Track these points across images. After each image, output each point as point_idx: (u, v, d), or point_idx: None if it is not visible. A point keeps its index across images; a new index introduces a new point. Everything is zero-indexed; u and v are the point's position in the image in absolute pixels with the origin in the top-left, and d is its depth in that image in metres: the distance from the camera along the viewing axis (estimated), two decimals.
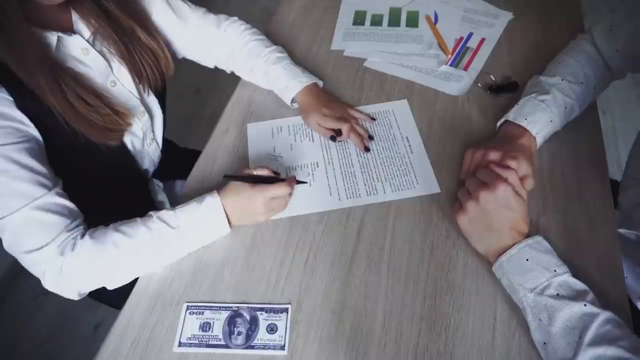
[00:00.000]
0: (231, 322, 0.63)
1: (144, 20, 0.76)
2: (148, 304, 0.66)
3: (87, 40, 0.69)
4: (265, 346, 0.61)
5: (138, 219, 0.66)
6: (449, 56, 0.96)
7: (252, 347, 0.61)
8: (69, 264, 0.62)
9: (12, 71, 0.58)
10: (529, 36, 0.99)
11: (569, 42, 0.87)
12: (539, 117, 0.73)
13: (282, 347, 0.61)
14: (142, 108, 0.78)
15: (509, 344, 0.60)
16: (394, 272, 0.67)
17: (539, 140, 0.74)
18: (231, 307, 0.65)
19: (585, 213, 0.71)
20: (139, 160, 0.83)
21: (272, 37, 1.01)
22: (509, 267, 0.61)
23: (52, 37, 0.64)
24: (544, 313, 0.56)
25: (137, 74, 0.75)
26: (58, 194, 0.63)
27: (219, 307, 0.65)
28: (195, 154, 0.85)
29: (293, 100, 0.86)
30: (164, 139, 0.91)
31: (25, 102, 0.60)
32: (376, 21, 1.05)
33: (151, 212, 0.67)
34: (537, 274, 0.58)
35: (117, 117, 0.70)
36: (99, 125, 0.67)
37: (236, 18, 0.93)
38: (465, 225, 0.66)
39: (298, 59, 0.97)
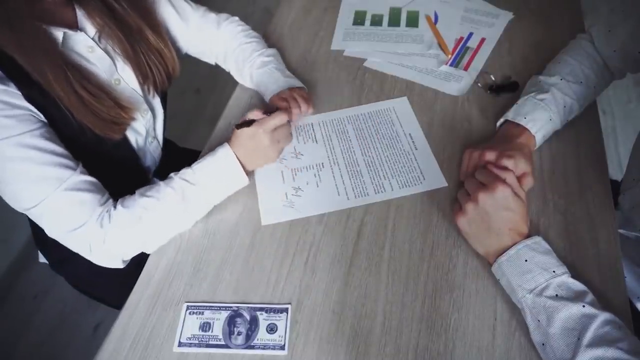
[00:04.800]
0: (231, 322, 0.63)
1: (152, 20, 0.76)
2: (148, 304, 0.66)
3: (93, 38, 0.69)
4: (265, 346, 0.61)
5: (161, 183, 0.69)
6: (449, 56, 0.96)
7: (252, 347, 0.61)
8: (111, 234, 0.65)
9: (18, 65, 0.59)
10: (529, 36, 0.99)
11: (569, 42, 0.87)
12: (539, 116, 0.73)
13: (282, 347, 0.61)
14: (145, 106, 0.78)
15: (509, 343, 0.60)
16: (394, 272, 0.67)
17: (539, 139, 0.74)
18: (231, 307, 0.65)
19: (585, 213, 0.71)
20: (141, 158, 0.83)
21: (272, 37, 1.01)
22: (507, 267, 0.61)
23: (58, 33, 0.64)
24: (542, 314, 0.56)
25: (143, 75, 0.76)
26: (83, 172, 0.65)
27: (218, 307, 0.65)
28: (195, 154, 0.85)
29: None
30: (166, 140, 0.91)
31: (33, 94, 0.61)
32: (376, 21, 1.05)
33: (171, 174, 0.70)
34: (535, 275, 0.58)
35: (120, 110, 0.70)
36: (103, 117, 0.67)
37: (236, 18, 0.93)
38: (465, 227, 0.66)
39: (298, 59, 0.97)
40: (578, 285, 0.58)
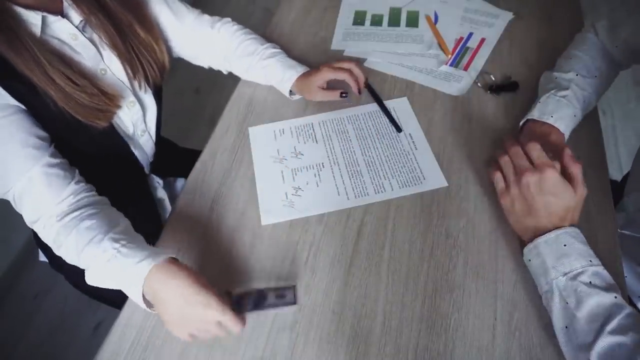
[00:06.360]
0: (237, 304, 0.62)
1: (142, 15, 0.76)
2: None
3: (77, 27, 0.68)
4: (276, 305, 0.62)
5: (91, 236, 0.62)
6: (449, 56, 0.96)
7: (263, 308, 0.62)
8: (49, 240, 0.66)
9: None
10: (529, 36, 0.99)
11: (569, 42, 0.87)
12: (565, 114, 0.74)
13: (294, 302, 0.62)
14: (132, 98, 0.77)
15: (508, 343, 0.60)
16: (394, 272, 0.67)
17: (567, 136, 0.74)
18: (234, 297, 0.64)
19: (585, 213, 0.71)
20: (128, 148, 0.82)
21: (272, 37, 1.01)
22: (545, 248, 0.61)
23: (37, 17, 0.63)
24: (572, 297, 0.57)
25: (132, 68, 0.75)
26: (46, 165, 0.64)
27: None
28: (195, 154, 0.85)
29: (291, 93, 0.88)
30: (164, 138, 0.90)
31: (9, 81, 0.60)
32: (376, 21, 1.05)
33: (103, 238, 0.61)
34: (572, 260, 0.59)
35: (104, 97, 0.69)
36: (85, 104, 0.67)
37: (229, 19, 0.93)
38: (508, 205, 0.66)
39: (298, 59, 0.97)
40: (611, 279, 0.59)
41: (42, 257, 0.93)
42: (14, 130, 0.62)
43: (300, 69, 0.87)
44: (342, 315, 0.64)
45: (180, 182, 1.03)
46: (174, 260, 0.61)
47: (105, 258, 0.60)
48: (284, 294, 0.63)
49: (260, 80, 0.91)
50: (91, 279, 0.62)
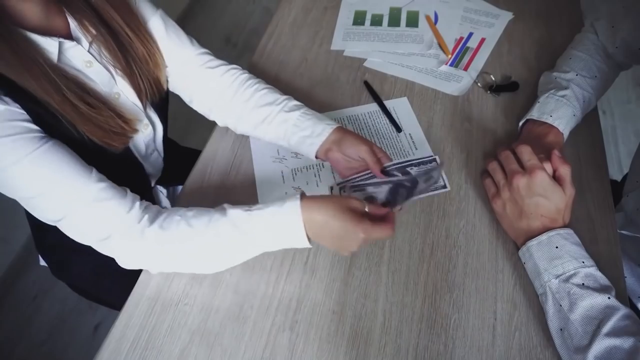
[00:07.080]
0: (394, 191, 0.65)
1: (138, 24, 0.72)
2: (148, 305, 0.66)
3: (89, 51, 0.67)
4: (426, 190, 0.63)
5: (209, 216, 0.63)
6: (449, 56, 0.96)
7: (413, 196, 0.64)
8: (139, 249, 0.62)
9: (16, 83, 0.57)
10: (529, 36, 0.99)
11: (569, 42, 0.88)
12: (564, 113, 0.74)
13: (444, 186, 0.62)
14: (146, 120, 0.76)
15: (508, 343, 0.60)
16: (394, 272, 0.67)
17: (566, 135, 0.74)
18: (390, 180, 0.67)
19: (585, 213, 0.71)
20: (142, 168, 0.82)
21: (272, 37, 1.01)
22: (536, 251, 0.61)
23: (53, 44, 0.62)
24: (565, 299, 0.57)
25: (135, 87, 0.73)
26: (100, 180, 0.62)
27: (379, 183, 0.68)
28: (196, 154, 0.85)
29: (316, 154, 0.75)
30: (167, 139, 0.90)
31: (36, 109, 0.59)
32: (376, 21, 1.05)
33: (225, 208, 0.63)
34: (565, 262, 0.59)
35: (120, 120, 0.68)
36: (102, 127, 0.66)
37: (239, 67, 0.85)
38: (500, 209, 0.67)
39: (298, 59, 0.97)
40: (605, 280, 0.58)
41: (42, 262, 0.93)
42: (57, 156, 0.59)
43: (332, 122, 0.74)
44: (342, 315, 0.64)
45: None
46: (304, 197, 0.61)
47: (245, 223, 0.60)
48: (431, 175, 0.62)
49: (272, 135, 0.78)
50: (246, 250, 0.63)
